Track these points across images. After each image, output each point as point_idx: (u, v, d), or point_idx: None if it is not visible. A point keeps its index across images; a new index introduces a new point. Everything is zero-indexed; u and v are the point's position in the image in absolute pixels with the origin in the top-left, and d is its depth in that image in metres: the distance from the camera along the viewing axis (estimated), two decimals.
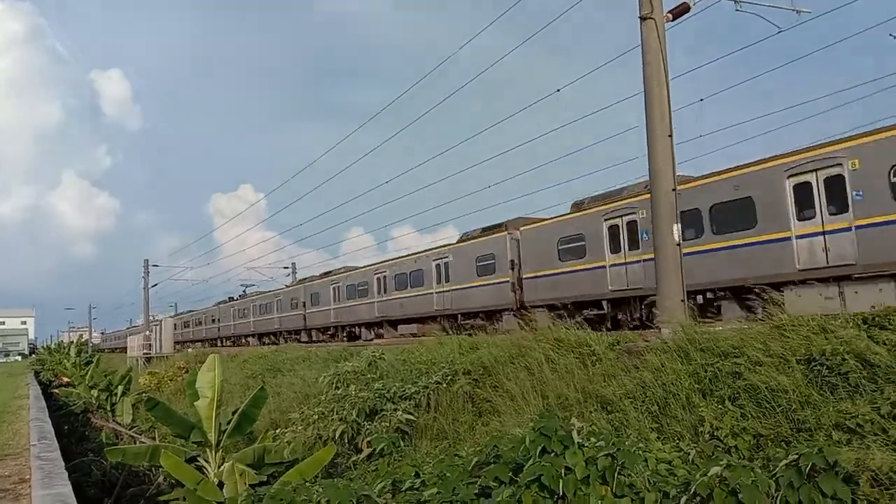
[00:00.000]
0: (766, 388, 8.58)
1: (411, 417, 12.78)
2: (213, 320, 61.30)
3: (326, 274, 41.50)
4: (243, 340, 53.17)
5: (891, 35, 18.23)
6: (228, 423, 14.26)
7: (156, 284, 65.90)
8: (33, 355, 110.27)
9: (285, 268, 61.58)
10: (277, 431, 14.29)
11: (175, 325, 70.96)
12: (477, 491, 6.17)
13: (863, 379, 8.04)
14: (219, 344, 57.27)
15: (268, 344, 45.32)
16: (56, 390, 35.02)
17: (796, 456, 6.47)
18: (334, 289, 38.08)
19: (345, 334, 36.99)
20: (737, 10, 14.46)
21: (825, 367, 8.44)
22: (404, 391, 13.83)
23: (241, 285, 61.32)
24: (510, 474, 6.47)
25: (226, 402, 15.47)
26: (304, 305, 42.06)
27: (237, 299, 58.55)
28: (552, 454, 5.84)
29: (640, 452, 6.38)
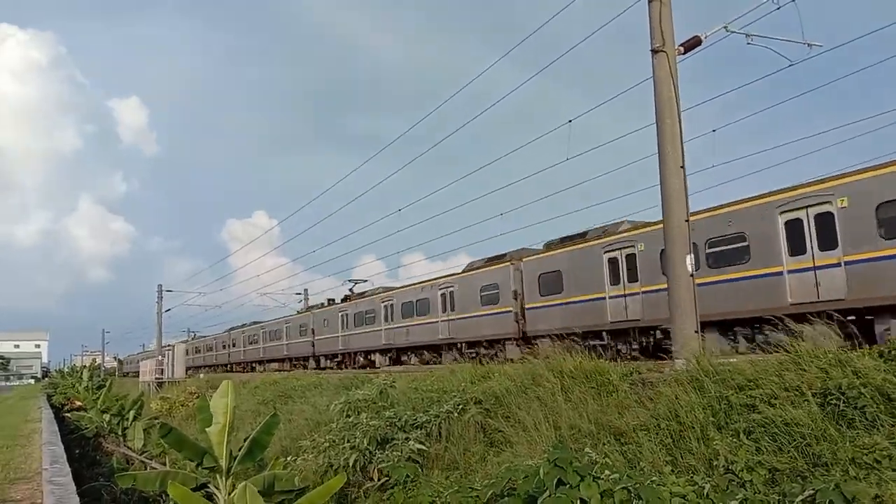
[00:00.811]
0: (781, 421, 8.52)
1: (423, 447, 12.73)
2: (304, 331, 44.69)
3: (576, 238, 22.85)
4: (360, 358, 37.35)
5: None
6: (239, 449, 14.26)
7: (169, 309, 66.08)
8: (46, 378, 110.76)
9: (297, 294, 61.67)
10: (288, 459, 14.26)
11: (232, 341, 60.39)
12: None
13: (880, 413, 7.97)
14: (313, 364, 43.43)
15: (421, 364, 30.13)
16: (68, 414, 35.13)
17: (813, 491, 6.43)
18: (611, 260, 20.20)
19: (642, 345, 19.48)
20: (748, 43, 14.60)
21: (842, 400, 8.37)
22: (415, 420, 13.79)
23: (349, 281, 46.14)
24: None
25: (237, 429, 15.49)
26: (518, 296, 24.69)
27: (340, 302, 42.16)
28: (567, 486, 5.83)
29: (656, 486, 6.34)
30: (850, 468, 7.41)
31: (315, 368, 41.13)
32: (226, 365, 59.63)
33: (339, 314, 39.66)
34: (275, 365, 49.98)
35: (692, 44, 13.80)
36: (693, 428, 9.40)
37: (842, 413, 8.27)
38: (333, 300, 44.89)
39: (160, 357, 61.49)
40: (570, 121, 19.51)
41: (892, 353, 9.27)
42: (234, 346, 59.99)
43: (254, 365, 54.83)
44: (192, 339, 71.73)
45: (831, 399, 8.49)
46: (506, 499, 6.70)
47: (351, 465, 12.82)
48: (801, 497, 6.47)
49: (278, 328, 49.95)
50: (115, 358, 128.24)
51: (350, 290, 43.42)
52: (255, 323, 57.26)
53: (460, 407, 13.78)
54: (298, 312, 50.00)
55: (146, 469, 20.21)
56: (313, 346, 43.05)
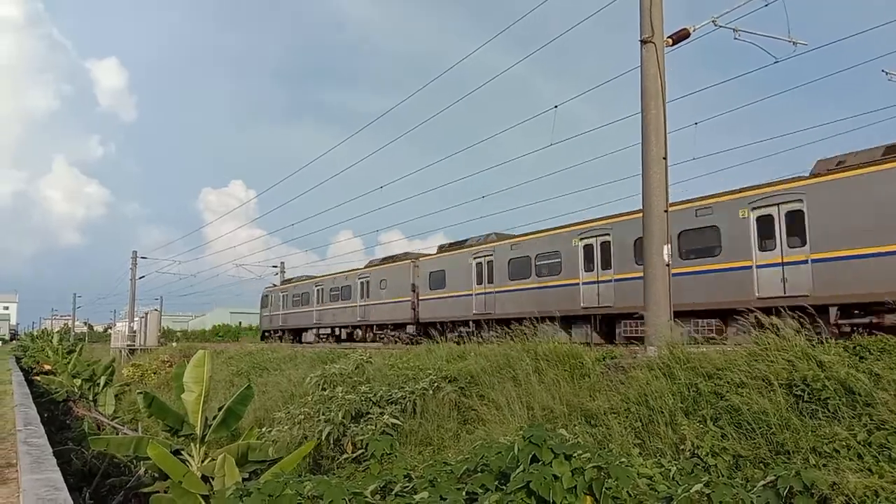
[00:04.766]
0: (747, 409, 8.81)
1: (397, 422, 12.91)
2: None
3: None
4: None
5: (883, 71, 18.62)
6: (214, 418, 14.35)
7: (143, 276, 65.50)
8: (14, 341, 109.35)
9: (273, 266, 61.46)
10: (263, 430, 14.38)
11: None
12: (465, 497, 6.34)
13: (842, 405, 8.27)
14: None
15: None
16: (37, 377, 34.83)
17: (774, 477, 6.69)
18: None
19: None
20: (735, 38, 14.81)
21: (806, 391, 8.67)
22: (391, 395, 13.96)
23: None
24: (496, 482, 6.64)
25: (211, 398, 15.58)
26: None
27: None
28: (540, 463, 6.02)
29: (625, 467, 6.56)
30: (810, 456, 7.72)
31: None
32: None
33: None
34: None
35: (681, 36, 13.95)
36: (662, 413, 9.67)
37: (805, 404, 8.58)
38: None
39: (132, 324, 60.95)
40: (555, 106, 19.68)
41: (857, 347, 9.62)
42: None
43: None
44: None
45: (796, 390, 8.81)
46: (479, 474, 6.88)
47: (325, 437, 12.97)
48: (762, 482, 6.72)
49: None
50: (85, 323, 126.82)
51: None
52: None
53: (435, 385, 13.98)
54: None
55: (117, 434, 20.23)
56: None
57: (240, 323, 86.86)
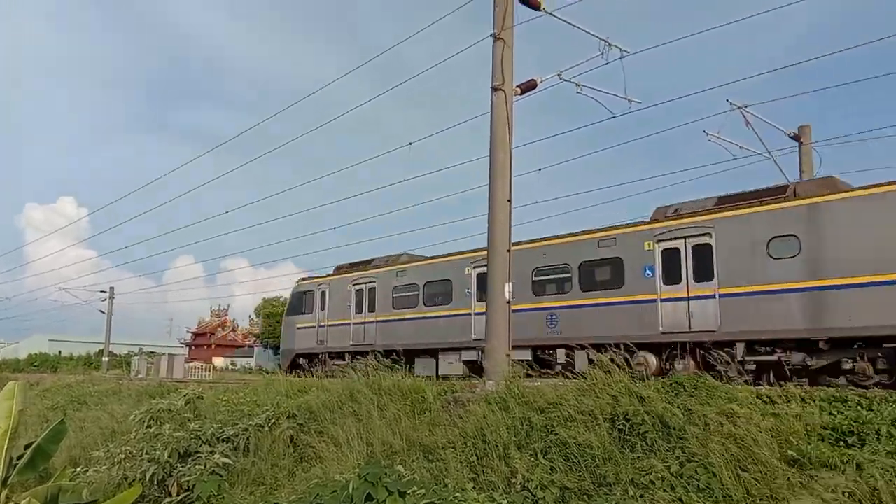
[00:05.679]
0: (574, 443, 9.23)
1: (228, 461, 12.31)
2: None
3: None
4: None
5: (704, 132, 20.58)
6: (20, 458, 12.99)
7: None
8: None
9: (102, 292, 56.92)
10: (77, 470, 13.19)
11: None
12: None
13: (658, 438, 8.88)
14: None
15: None
16: None
17: None
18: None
19: None
20: (577, 92, 15.87)
21: (628, 426, 9.23)
22: (222, 433, 13.34)
23: None
24: None
25: (20, 436, 14.09)
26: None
27: None
28: (375, 501, 5.95)
29: (458, 502, 6.63)
30: (629, 488, 8.19)
31: None
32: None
33: None
34: None
35: (528, 86, 14.71)
36: (496, 447, 9.89)
37: (627, 437, 9.12)
38: None
39: None
40: (410, 143, 19.96)
41: (673, 384, 10.38)
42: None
43: None
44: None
45: (619, 424, 9.35)
46: None
47: (148, 478, 12.10)
48: None
49: None
50: None
51: None
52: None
53: (272, 421, 13.50)
54: None
55: None
56: None
57: (59, 352, 79.56)
